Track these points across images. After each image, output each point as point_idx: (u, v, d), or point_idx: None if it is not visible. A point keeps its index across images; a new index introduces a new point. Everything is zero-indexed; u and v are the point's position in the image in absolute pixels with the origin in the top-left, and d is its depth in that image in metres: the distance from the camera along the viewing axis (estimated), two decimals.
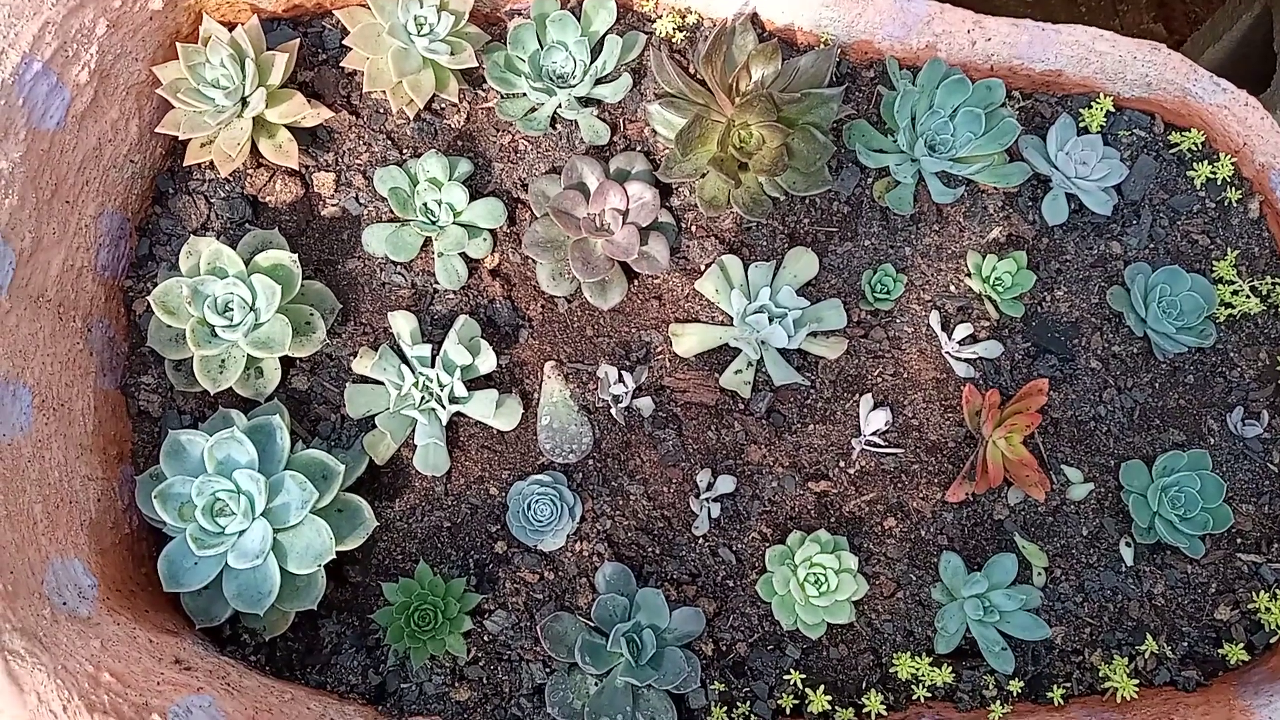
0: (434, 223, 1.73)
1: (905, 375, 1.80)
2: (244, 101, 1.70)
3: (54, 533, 1.47)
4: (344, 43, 1.79)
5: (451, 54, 1.73)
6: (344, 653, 1.62)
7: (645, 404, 1.74)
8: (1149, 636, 1.72)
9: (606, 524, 1.70)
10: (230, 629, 1.62)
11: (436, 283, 1.77)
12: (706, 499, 1.72)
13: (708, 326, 1.76)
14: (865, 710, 1.65)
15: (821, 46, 1.83)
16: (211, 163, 1.74)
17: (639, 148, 1.82)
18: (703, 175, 1.74)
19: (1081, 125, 1.88)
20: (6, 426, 1.45)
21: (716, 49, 1.65)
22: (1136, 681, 1.67)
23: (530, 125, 1.79)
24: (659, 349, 1.77)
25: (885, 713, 1.65)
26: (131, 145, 1.72)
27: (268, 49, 1.73)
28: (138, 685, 1.36)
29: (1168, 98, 1.87)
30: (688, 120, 1.67)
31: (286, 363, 1.71)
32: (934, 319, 1.80)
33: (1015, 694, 1.67)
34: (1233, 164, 1.87)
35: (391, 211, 1.76)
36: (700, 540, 1.72)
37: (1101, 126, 1.88)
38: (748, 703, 1.65)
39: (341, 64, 1.81)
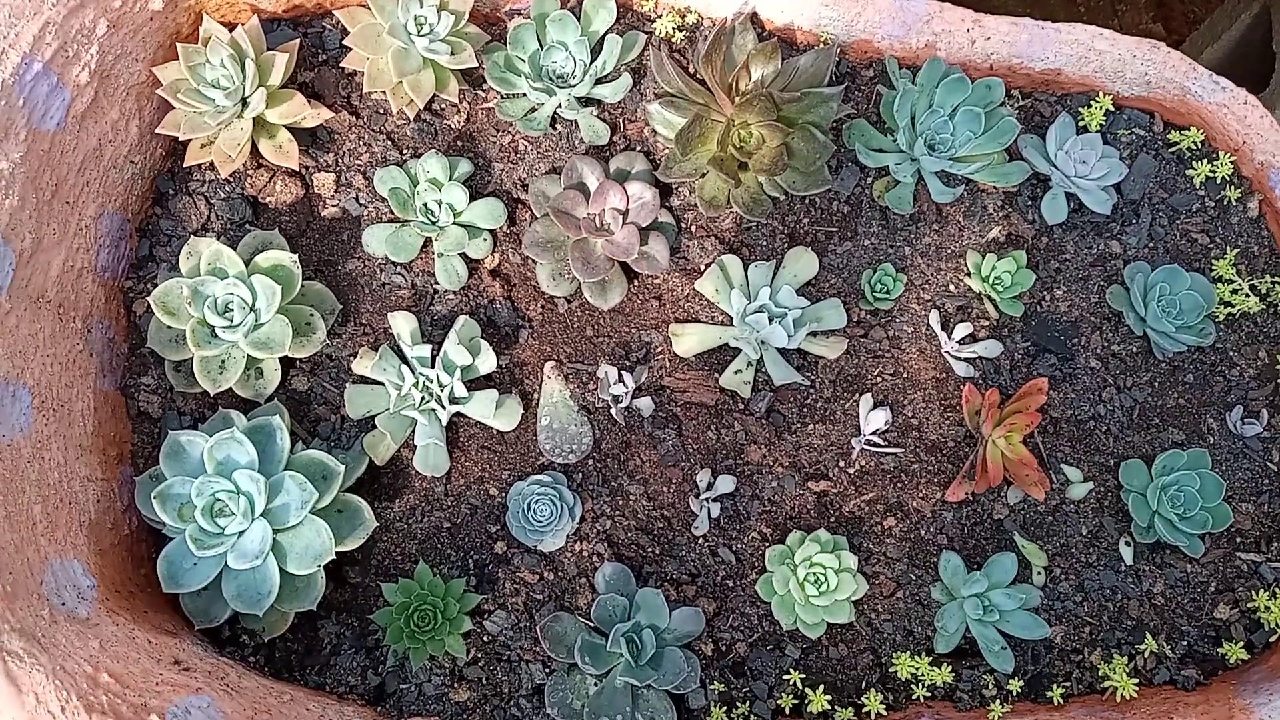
0: (434, 223, 1.73)
1: (905, 375, 1.80)
2: (244, 102, 1.70)
3: (53, 533, 1.48)
4: (344, 43, 1.79)
5: (451, 54, 1.73)
6: (343, 653, 1.62)
7: (645, 404, 1.74)
8: (1148, 635, 1.72)
9: (606, 524, 1.70)
10: (229, 630, 1.61)
11: (436, 283, 1.77)
12: (706, 499, 1.72)
13: (707, 326, 1.76)
14: (865, 710, 1.65)
15: (821, 46, 1.83)
16: (212, 163, 1.74)
17: (639, 147, 1.82)
18: (702, 175, 1.74)
19: (1081, 124, 1.88)
20: (6, 427, 1.45)
21: (716, 48, 1.65)
22: (1136, 680, 1.67)
23: (530, 125, 1.79)
24: (659, 349, 1.77)
25: (885, 712, 1.65)
26: (132, 146, 1.72)
27: (268, 49, 1.73)
28: (136, 686, 1.36)
29: (1167, 96, 1.87)
30: (687, 120, 1.67)
31: (286, 363, 1.71)
32: (934, 318, 1.80)
33: (1015, 693, 1.67)
34: (1232, 162, 1.87)
35: (392, 212, 1.76)
36: (700, 540, 1.72)
37: (1101, 125, 1.88)
38: (747, 703, 1.65)
39: (341, 64, 1.81)
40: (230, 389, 1.64)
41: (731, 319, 1.76)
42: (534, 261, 1.77)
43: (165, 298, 1.61)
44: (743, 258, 1.78)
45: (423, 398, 1.67)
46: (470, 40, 1.76)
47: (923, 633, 1.72)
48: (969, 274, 1.82)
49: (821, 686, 1.65)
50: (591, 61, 1.80)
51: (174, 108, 1.71)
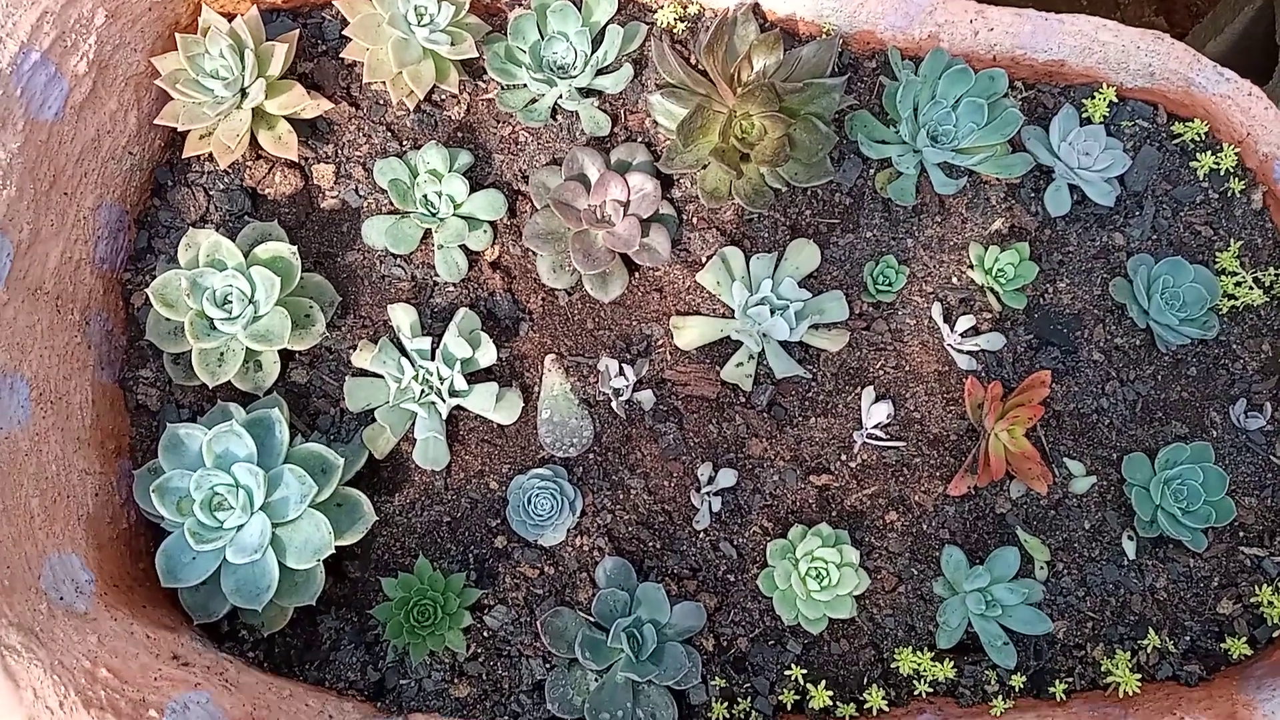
0: (434, 215, 1.72)
1: (907, 368, 1.79)
2: (243, 93, 1.69)
3: (51, 527, 1.47)
4: (344, 33, 1.78)
5: (452, 44, 1.72)
6: (343, 649, 1.62)
7: (646, 397, 1.73)
8: (1151, 630, 1.72)
9: (607, 518, 1.70)
10: (228, 625, 1.61)
11: (436, 275, 1.76)
12: (707, 493, 1.71)
13: (709, 319, 1.75)
14: (867, 706, 1.64)
15: (823, 37, 1.82)
16: (210, 154, 1.73)
17: (640, 139, 1.81)
18: (704, 166, 1.73)
19: (1084, 116, 1.87)
20: (4, 420, 1.44)
21: (718, 39, 1.64)
22: (1139, 676, 1.67)
23: (531, 116, 1.78)
24: (660, 342, 1.76)
25: (887, 708, 1.64)
26: (130, 137, 1.71)
27: (267, 40, 1.72)
28: (135, 681, 1.35)
29: (1171, 88, 1.86)
30: (689, 111, 1.66)
31: (285, 356, 1.70)
32: (936, 311, 1.80)
33: (1017, 689, 1.67)
34: (1236, 154, 1.86)
35: (391, 203, 1.75)
36: (701, 534, 1.71)
37: (1104, 117, 1.87)
38: (748, 698, 1.64)
39: (341, 55, 1.80)
40: (229, 382, 1.64)
41: (733, 311, 1.75)
42: (534, 253, 1.76)
43: (164, 290, 1.60)
44: (744, 250, 1.77)
45: (422, 391, 1.66)
46: (470, 30, 1.75)
47: (925, 628, 1.71)
48: (972, 266, 1.81)
49: (823, 682, 1.64)
50: (593, 52, 1.78)
51: (173, 98, 1.70)
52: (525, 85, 1.79)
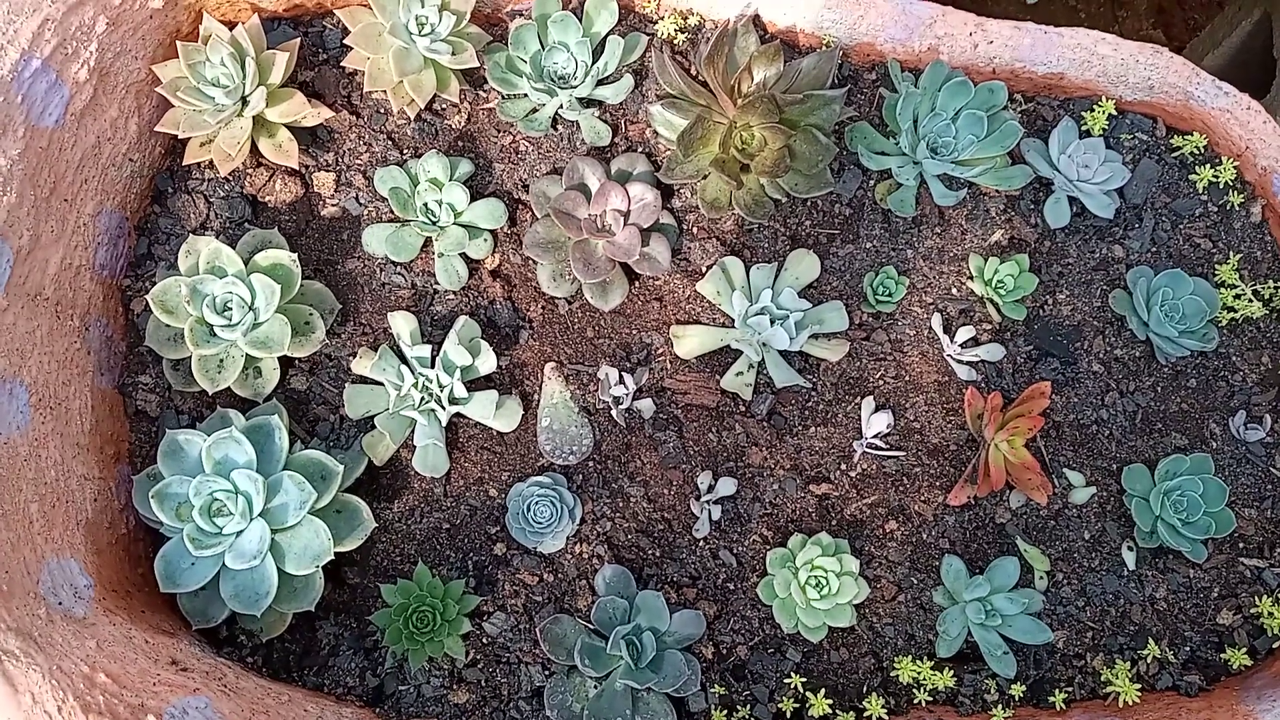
0: (434, 223, 1.72)
1: (907, 378, 1.79)
2: (244, 100, 1.69)
3: (50, 532, 1.47)
4: (345, 42, 1.78)
5: (453, 54, 1.72)
6: (341, 654, 1.61)
7: (646, 406, 1.73)
8: (1151, 641, 1.72)
9: (606, 526, 1.70)
10: (227, 630, 1.60)
11: (437, 283, 1.76)
12: (707, 501, 1.71)
13: (709, 328, 1.76)
14: (866, 714, 1.64)
15: (824, 48, 1.82)
16: (211, 162, 1.73)
17: (640, 149, 1.81)
18: (704, 177, 1.74)
19: (1084, 128, 1.88)
20: (3, 425, 1.44)
21: (718, 50, 1.64)
22: (1139, 686, 1.67)
23: (531, 126, 1.79)
24: (660, 350, 1.76)
25: (886, 717, 1.64)
26: (130, 144, 1.71)
27: (268, 48, 1.73)
28: (133, 686, 1.35)
29: (1170, 101, 1.87)
30: (689, 121, 1.66)
31: (285, 363, 1.70)
32: (936, 322, 1.80)
33: (1017, 698, 1.67)
34: (1235, 168, 1.87)
35: (392, 212, 1.75)
36: (701, 543, 1.71)
37: (1104, 130, 1.88)
38: (748, 706, 1.64)
39: (342, 64, 1.80)
40: (228, 388, 1.64)
41: (733, 321, 1.75)
42: (535, 262, 1.76)
43: (164, 296, 1.60)
44: (744, 259, 1.78)
45: (422, 398, 1.66)
46: (471, 40, 1.75)
47: (924, 637, 1.71)
48: (971, 277, 1.81)
49: (823, 690, 1.64)
50: (593, 63, 1.79)
51: (173, 106, 1.70)
52: (526, 95, 1.79)
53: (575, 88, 1.78)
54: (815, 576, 1.63)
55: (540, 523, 1.64)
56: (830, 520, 1.74)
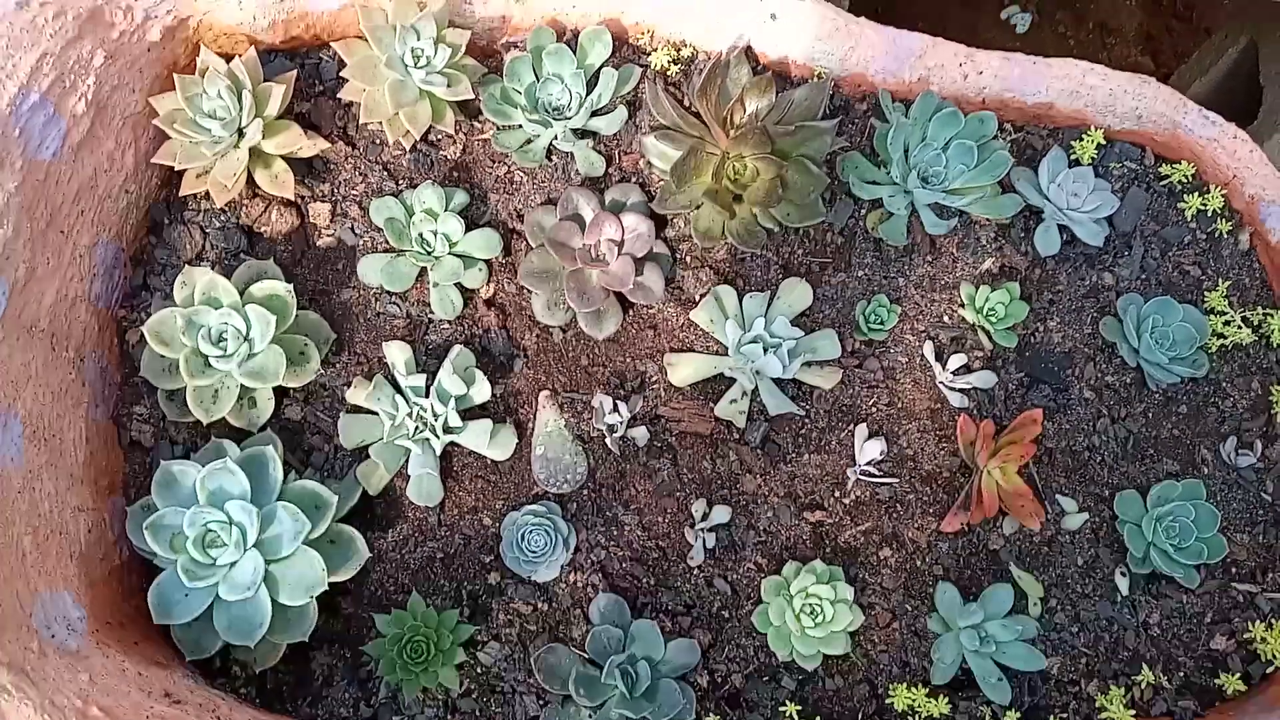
0: (429, 253, 1.73)
1: (900, 405, 1.80)
2: (240, 132, 1.70)
3: (43, 565, 1.46)
4: (341, 74, 1.79)
5: (448, 86, 1.73)
6: (335, 685, 1.61)
7: (640, 434, 1.74)
8: (1145, 667, 1.72)
9: (601, 554, 1.70)
10: (220, 661, 1.60)
11: (432, 313, 1.77)
12: (701, 529, 1.71)
13: (703, 356, 1.76)
14: None
15: (815, 79, 1.84)
16: (207, 193, 1.74)
17: (634, 179, 1.82)
18: (697, 207, 1.75)
19: (1073, 157, 1.89)
20: None
21: (711, 82, 1.66)
22: (1133, 712, 1.67)
23: (526, 157, 1.80)
24: (654, 379, 1.77)
25: None
26: (127, 175, 1.72)
27: (265, 80, 1.74)
28: (127, 719, 1.34)
29: (1158, 130, 1.88)
30: (683, 152, 1.67)
31: (280, 393, 1.70)
32: (928, 349, 1.81)
33: None
34: (1223, 196, 1.89)
35: (387, 242, 1.76)
36: (695, 571, 1.71)
37: (1093, 159, 1.89)
38: None
39: (338, 95, 1.82)
40: (223, 418, 1.64)
41: (726, 349, 1.76)
42: (529, 291, 1.77)
43: (159, 327, 1.60)
44: (737, 288, 1.79)
45: (417, 427, 1.66)
46: (467, 72, 1.77)
47: (919, 664, 1.71)
48: (963, 305, 1.82)
49: (818, 718, 1.63)
50: (587, 94, 1.80)
51: (170, 137, 1.71)
52: (521, 126, 1.81)
53: (570, 119, 1.79)
54: (810, 604, 1.63)
55: (535, 551, 1.64)
56: (824, 547, 1.74)
